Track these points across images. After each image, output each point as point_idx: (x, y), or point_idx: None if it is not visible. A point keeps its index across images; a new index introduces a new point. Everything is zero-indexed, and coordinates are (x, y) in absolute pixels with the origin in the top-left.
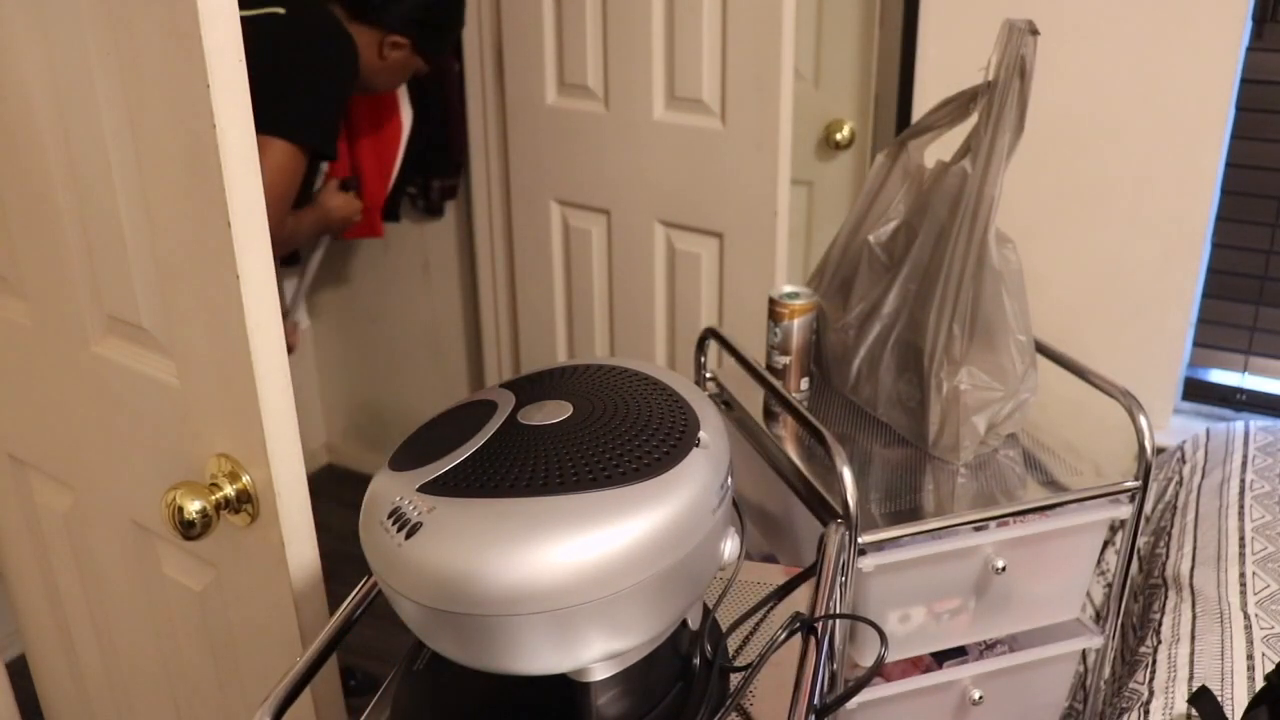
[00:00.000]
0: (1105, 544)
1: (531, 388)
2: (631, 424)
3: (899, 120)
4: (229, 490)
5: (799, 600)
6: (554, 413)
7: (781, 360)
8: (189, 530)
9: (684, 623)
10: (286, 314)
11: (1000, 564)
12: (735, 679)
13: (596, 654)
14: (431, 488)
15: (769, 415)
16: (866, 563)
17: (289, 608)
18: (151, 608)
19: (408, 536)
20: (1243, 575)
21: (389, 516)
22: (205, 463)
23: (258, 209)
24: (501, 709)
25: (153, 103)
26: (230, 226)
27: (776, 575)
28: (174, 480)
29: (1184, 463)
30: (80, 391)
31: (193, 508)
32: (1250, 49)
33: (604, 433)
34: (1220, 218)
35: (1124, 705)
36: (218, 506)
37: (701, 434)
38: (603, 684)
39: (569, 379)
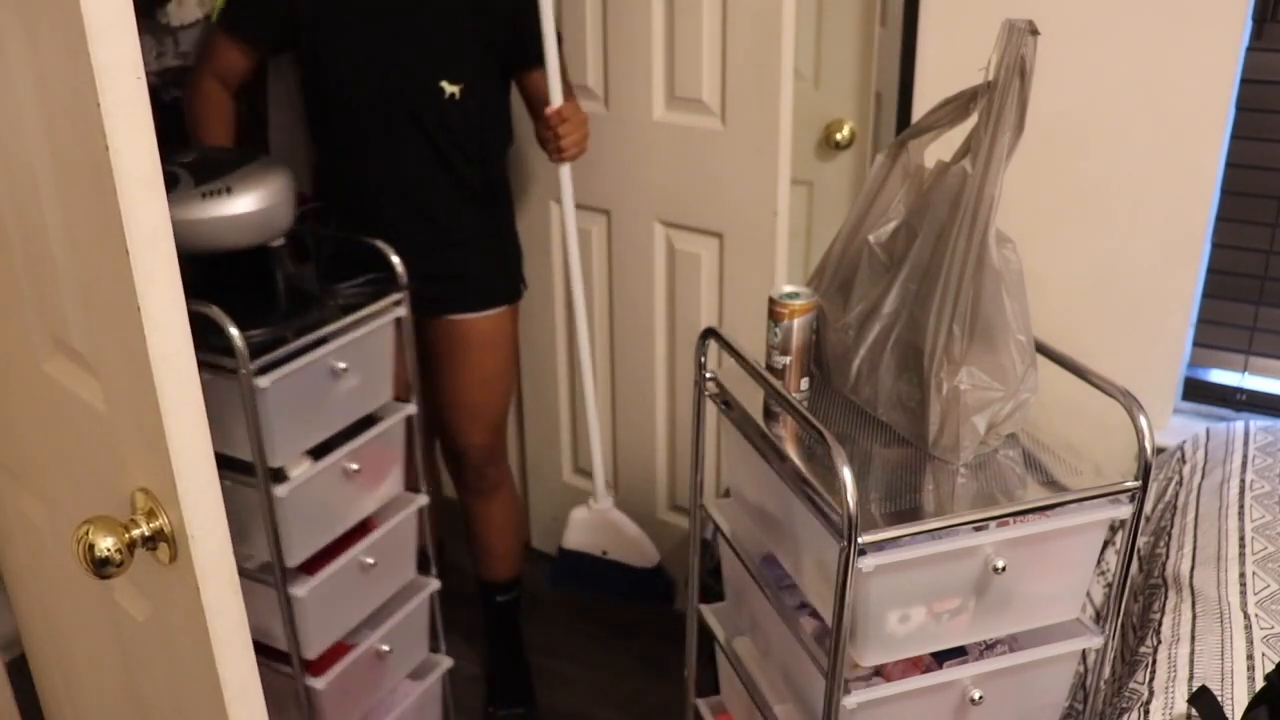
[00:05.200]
0: (1105, 544)
1: None
2: None
3: (899, 120)
4: (145, 529)
5: None
6: None
7: (781, 360)
8: (102, 569)
9: None
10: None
11: (1000, 564)
12: None
13: None
14: None
15: (769, 415)
16: (866, 563)
17: (208, 652)
18: (108, 632)
19: None
20: (1243, 575)
21: None
22: (129, 496)
23: (161, 236)
24: None
25: (60, 121)
26: (129, 255)
27: None
28: (107, 509)
29: (1184, 463)
30: (37, 408)
31: (104, 544)
32: (1250, 49)
33: None
34: (1220, 218)
35: (1124, 705)
36: (130, 545)
37: None
38: None
39: None
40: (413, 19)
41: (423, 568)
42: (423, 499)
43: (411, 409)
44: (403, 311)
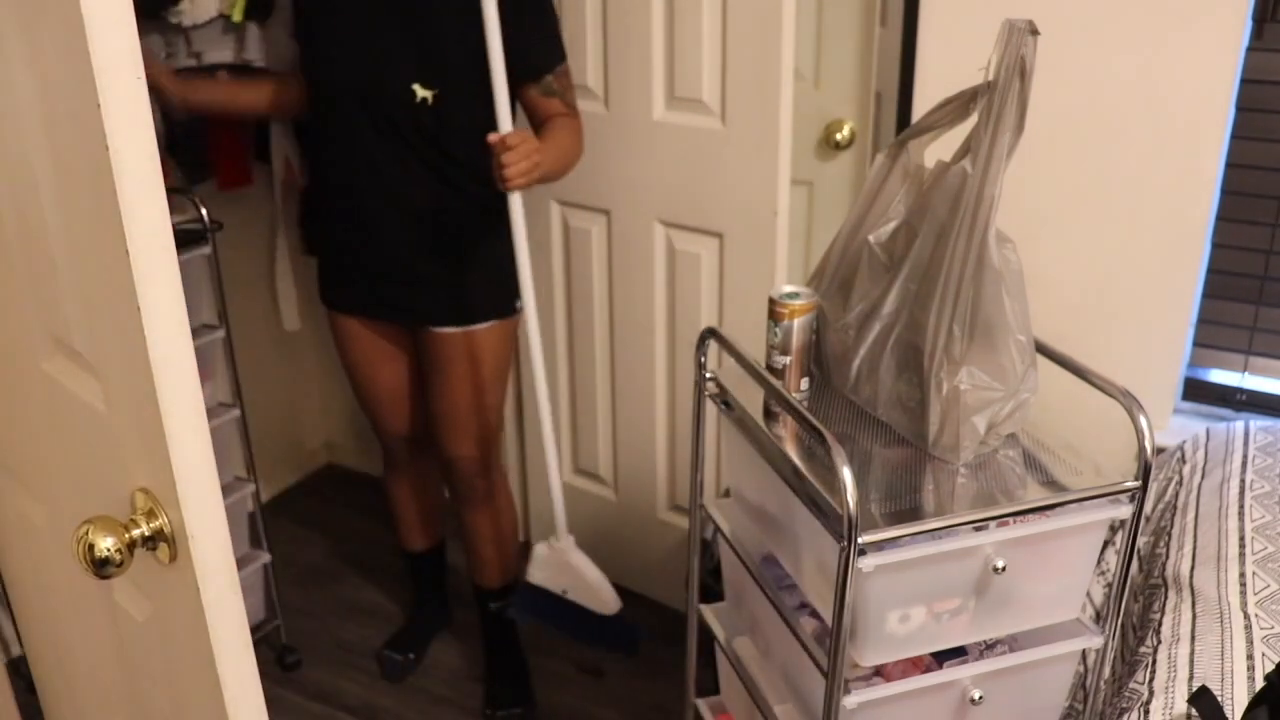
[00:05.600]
0: (1105, 544)
1: None
2: None
3: (899, 120)
4: (145, 529)
5: None
6: None
7: (781, 360)
8: (102, 569)
9: None
10: None
11: (1000, 564)
12: None
13: None
14: None
15: (769, 415)
16: (866, 563)
17: (208, 652)
18: (108, 632)
19: None
20: (1243, 575)
21: None
22: (129, 496)
23: (161, 236)
24: None
25: (60, 121)
26: (129, 256)
27: None
28: (107, 509)
29: (1184, 463)
30: (37, 408)
31: (104, 544)
32: (1250, 49)
33: None
34: (1220, 218)
35: (1124, 705)
36: (130, 545)
37: None
38: None
39: None
40: (391, 22)
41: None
42: (235, 412)
43: (220, 333)
44: (207, 250)
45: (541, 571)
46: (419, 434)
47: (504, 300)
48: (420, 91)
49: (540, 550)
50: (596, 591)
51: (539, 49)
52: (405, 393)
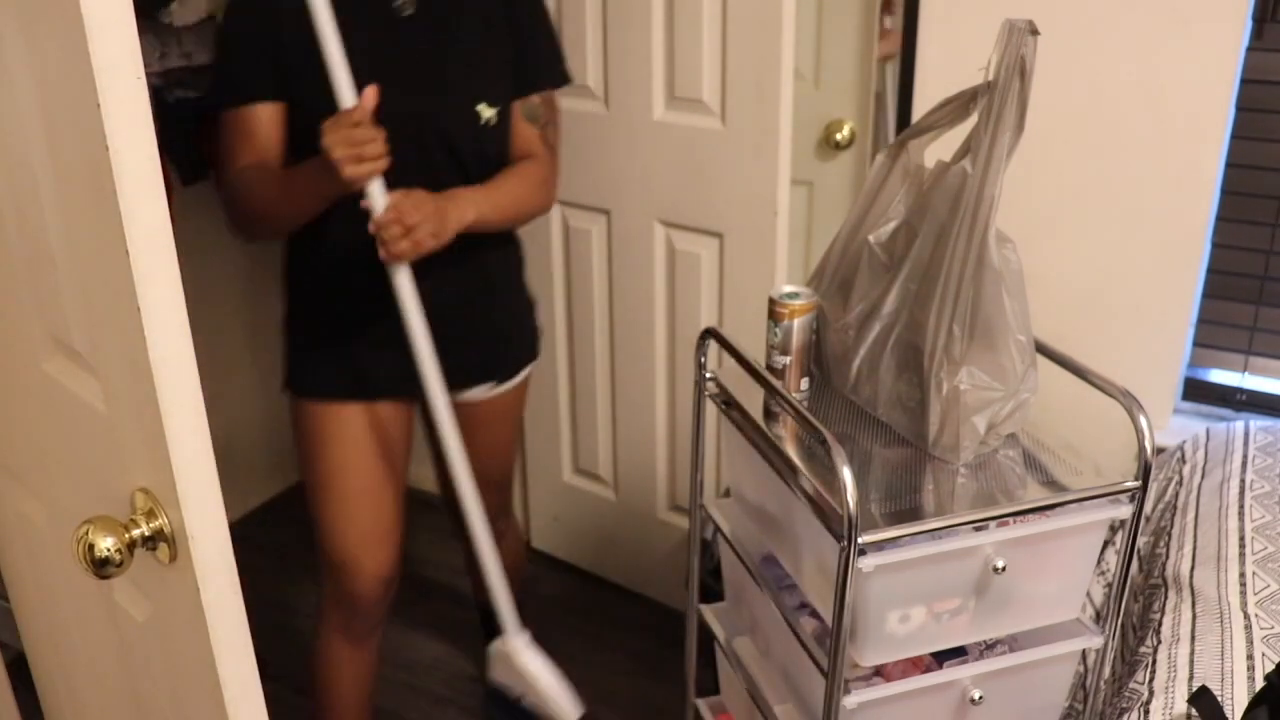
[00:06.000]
0: (1105, 544)
1: None
2: None
3: (899, 120)
4: (145, 529)
5: None
6: None
7: (781, 360)
8: (102, 569)
9: None
10: None
11: (1000, 564)
12: None
13: None
14: None
15: (769, 415)
16: (866, 563)
17: (208, 652)
18: (108, 632)
19: None
20: (1243, 575)
21: None
22: (129, 496)
23: (161, 236)
24: None
25: (60, 121)
26: (129, 256)
27: None
28: (107, 509)
29: (1184, 463)
30: (37, 408)
31: (104, 544)
32: (1250, 49)
33: None
34: (1220, 218)
35: (1124, 705)
36: (130, 545)
37: None
38: None
39: None
40: (436, 46)
41: None
42: None
43: None
44: None
45: (498, 670)
46: (393, 572)
47: (538, 335)
48: (485, 112)
49: (494, 650)
50: (553, 701)
51: (546, 59)
52: (392, 501)
